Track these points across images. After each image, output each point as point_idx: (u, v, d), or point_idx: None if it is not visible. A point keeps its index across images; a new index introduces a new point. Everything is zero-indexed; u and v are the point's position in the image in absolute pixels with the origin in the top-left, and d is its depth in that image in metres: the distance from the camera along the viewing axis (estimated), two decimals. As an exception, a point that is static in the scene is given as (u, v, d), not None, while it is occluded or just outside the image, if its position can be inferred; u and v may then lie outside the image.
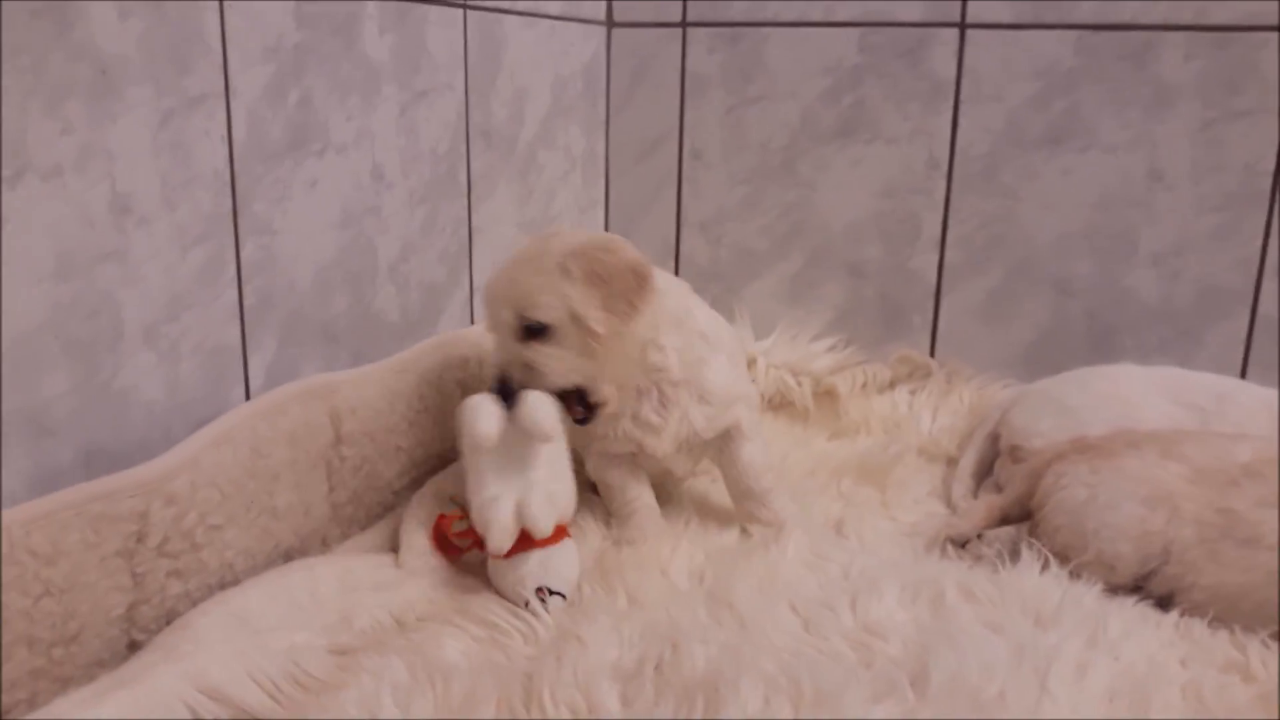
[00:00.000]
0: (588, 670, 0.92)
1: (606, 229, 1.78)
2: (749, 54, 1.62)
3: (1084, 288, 1.52)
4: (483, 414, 1.02)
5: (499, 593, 1.04)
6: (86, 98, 0.85)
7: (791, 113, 1.62)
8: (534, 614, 1.00)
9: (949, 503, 1.35)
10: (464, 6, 1.30)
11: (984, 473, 1.41)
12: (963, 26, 1.49)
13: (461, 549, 1.07)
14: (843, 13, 1.55)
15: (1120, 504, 1.11)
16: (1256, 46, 1.36)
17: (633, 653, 0.95)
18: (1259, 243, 1.41)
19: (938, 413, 1.55)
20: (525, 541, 1.01)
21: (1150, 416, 1.30)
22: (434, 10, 1.24)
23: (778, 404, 1.63)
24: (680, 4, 1.64)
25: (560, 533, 1.06)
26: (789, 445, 1.51)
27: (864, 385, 1.60)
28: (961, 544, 1.21)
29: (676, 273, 1.75)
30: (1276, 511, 1.04)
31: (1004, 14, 1.47)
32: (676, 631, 0.97)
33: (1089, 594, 1.05)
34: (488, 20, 1.36)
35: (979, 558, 1.19)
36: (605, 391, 1.09)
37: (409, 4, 1.20)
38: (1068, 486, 1.17)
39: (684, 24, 1.65)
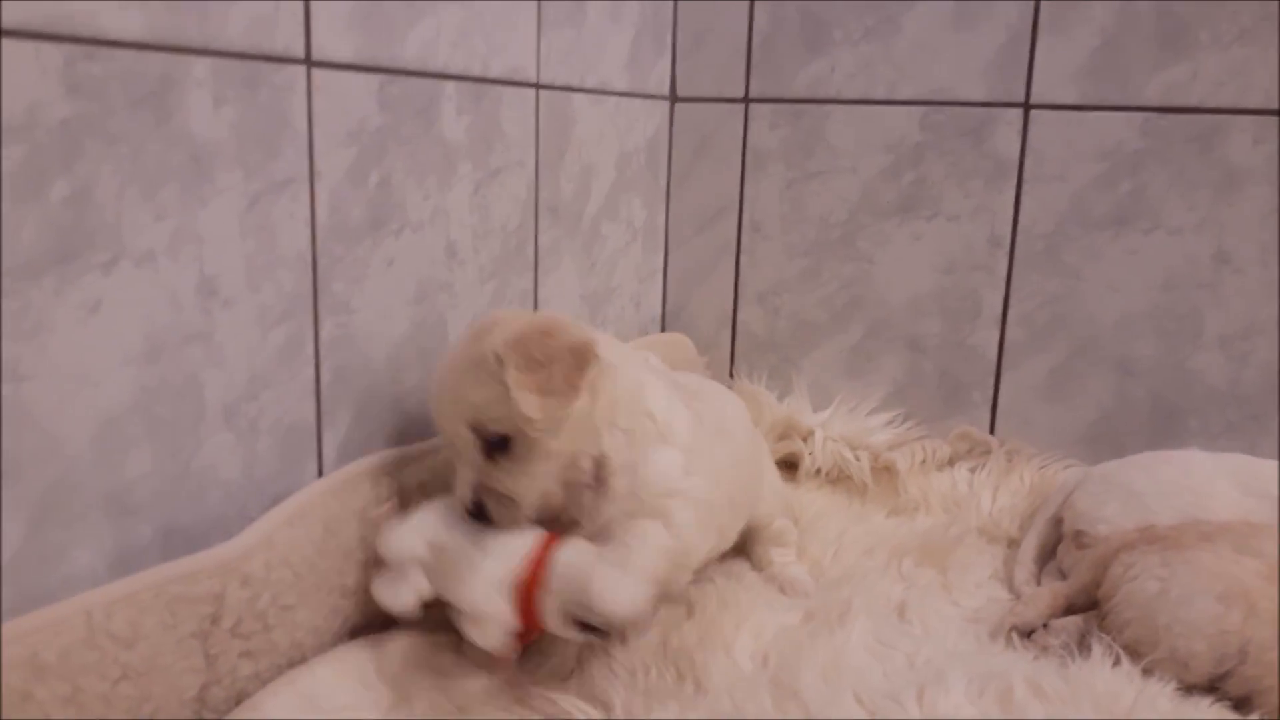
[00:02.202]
0: (656, 762, 0.91)
1: (665, 299, 1.79)
2: (811, 130, 1.63)
3: (1148, 369, 1.50)
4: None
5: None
6: (181, 184, 0.87)
7: (852, 188, 1.62)
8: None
9: (1011, 587, 1.33)
10: (536, 86, 1.32)
11: (1046, 557, 1.38)
12: (1027, 106, 1.49)
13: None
14: (905, 91, 1.56)
15: (1194, 599, 1.09)
16: None
17: (700, 743, 0.95)
18: (1333, 329, 1.40)
19: (998, 492, 1.53)
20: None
21: (1220, 506, 1.27)
22: (508, 91, 1.27)
23: (835, 477, 1.61)
24: (743, 80, 1.66)
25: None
26: (847, 521, 1.50)
27: (923, 461, 1.59)
28: (1026, 633, 1.19)
29: (733, 343, 1.76)
30: (1358, 614, 1.02)
31: (1069, 94, 1.47)
32: (744, 722, 0.96)
33: (1163, 694, 1.03)
34: (558, 98, 1.38)
35: (1045, 648, 1.16)
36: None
37: (486, 85, 1.22)
38: (1138, 578, 1.15)
39: (746, 99, 1.66)
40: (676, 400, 1.13)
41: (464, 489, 1.00)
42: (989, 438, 1.61)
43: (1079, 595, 1.23)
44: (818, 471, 1.63)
